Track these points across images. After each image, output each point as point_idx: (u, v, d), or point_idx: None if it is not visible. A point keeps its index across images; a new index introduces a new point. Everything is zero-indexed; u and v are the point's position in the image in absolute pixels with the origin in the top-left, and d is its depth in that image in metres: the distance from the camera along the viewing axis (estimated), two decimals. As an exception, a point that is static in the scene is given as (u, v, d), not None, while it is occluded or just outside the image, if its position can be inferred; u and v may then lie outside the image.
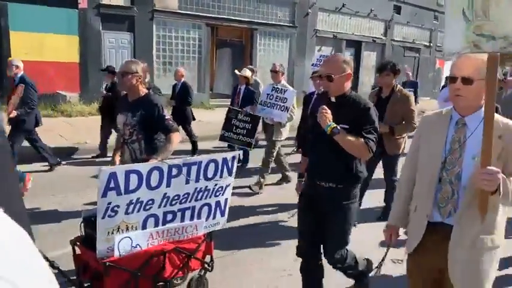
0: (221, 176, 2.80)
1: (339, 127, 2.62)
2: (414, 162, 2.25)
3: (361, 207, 4.55)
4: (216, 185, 2.80)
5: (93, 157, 7.38)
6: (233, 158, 2.83)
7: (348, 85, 2.78)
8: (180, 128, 6.18)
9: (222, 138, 6.24)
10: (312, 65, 9.27)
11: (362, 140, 2.63)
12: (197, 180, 2.69)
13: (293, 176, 6.13)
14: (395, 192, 2.47)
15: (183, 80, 7.65)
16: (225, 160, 2.78)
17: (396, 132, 4.48)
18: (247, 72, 6.86)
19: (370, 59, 19.26)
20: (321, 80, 2.83)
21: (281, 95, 5.81)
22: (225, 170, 2.80)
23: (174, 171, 2.57)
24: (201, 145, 7.89)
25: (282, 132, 5.99)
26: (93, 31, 11.66)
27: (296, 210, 3.15)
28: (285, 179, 6.37)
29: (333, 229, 2.82)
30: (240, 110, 6.21)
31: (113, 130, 7.15)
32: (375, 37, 18.98)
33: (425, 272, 2.17)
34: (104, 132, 7.49)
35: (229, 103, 7.05)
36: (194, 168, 2.66)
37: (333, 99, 2.76)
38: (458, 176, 2.00)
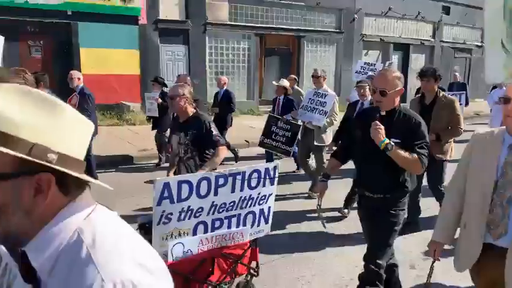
0: (264, 185, 2.92)
1: (392, 143, 2.68)
2: (463, 179, 2.23)
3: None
4: (259, 193, 2.92)
5: (157, 164, 7.87)
6: (275, 167, 2.95)
7: (398, 100, 2.87)
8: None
9: (261, 144, 6.35)
10: (356, 72, 9.29)
11: (415, 155, 2.69)
12: (241, 189, 2.82)
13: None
14: (442, 206, 2.47)
15: (225, 87, 7.90)
16: (267, 170, 2.90)
17: (443, 138, 4.43)
18: (284, 83, 7.00)
19: (418, 61, 19.00)
20: (374, 94, 2.90)
21: (321, 99, 5.86)
22: (267, 179, 2.93)
23: (221, 181, 2.72)
24: (248, 151, 8.29)
25: (323, 138, 5.98)
26: (152, 45, 12.54)
27: (324, 218, 3.27)
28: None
29: (377, 232, 2.92)
30: (280, 117, 6.27)
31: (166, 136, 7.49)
32: (423, 39, 18.75)
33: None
34: (158, 139, 7.85)
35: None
36: (239, 178, 2.79)
37: (383, 113, 2.82)
38: (509, 199, 1.98)
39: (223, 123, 7.51)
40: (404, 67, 18.52)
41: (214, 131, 3.60)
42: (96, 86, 11.01)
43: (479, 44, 21.01)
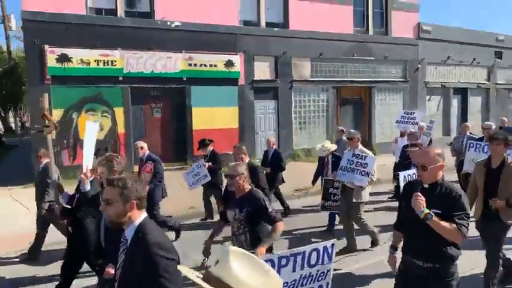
0: (322, 263, 3.00)
1: (431, 213, 2.80)
2: None
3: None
4: (318, 270, 3.01)
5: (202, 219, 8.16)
6: (332, 245, 3.06)
7: (440, 174, 3.00)
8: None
9: (323, 207, 6.50)
10: (397, 121, 9.90)
11: (455, 225, 2.79)
12: (302, 267, 2.91)
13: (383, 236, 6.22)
14: None
15: (274, 147, 8.09)
16: (325, 248, 3.01)
17: None
18: (327, 145, 7.18)
19: (475, 103, 20.19)
20: (417, 169, 3.11)
21: (361, 160, 5.98)
22: (325, 256, 3.01)
23: (283, 262, 2.83)
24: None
25: (362, 195, 6.09)
26: (248, 102, 14.34)
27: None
28: (375, 243, 6.28)
29: None
30: (333, 179, 6.51)
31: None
32: (479, 83, 20.00)
33: None
34: (205, 197, 8.08)
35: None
36: (299, 258, 2.88)
37: (426, 185, 2.99)
38: None
39: (273, 182, 7.64)
40: (463, 109, 19.75)
41: (270, 207, 3.69)
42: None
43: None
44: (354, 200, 6.04)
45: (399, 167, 7.89)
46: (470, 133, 9.50)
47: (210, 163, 7.55)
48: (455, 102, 19.47)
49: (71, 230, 4.69)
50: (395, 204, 7.09)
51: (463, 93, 19.61)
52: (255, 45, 14.16)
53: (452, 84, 19.03)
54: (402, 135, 9.58)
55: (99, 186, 4.25)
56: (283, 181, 8.19)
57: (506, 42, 20.57)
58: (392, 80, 17.17)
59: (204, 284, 1.09)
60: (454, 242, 2.90)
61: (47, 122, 5.69)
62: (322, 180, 7.41)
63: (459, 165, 9.02)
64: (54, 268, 5.50)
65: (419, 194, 2.88)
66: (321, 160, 7.27)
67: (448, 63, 18.59)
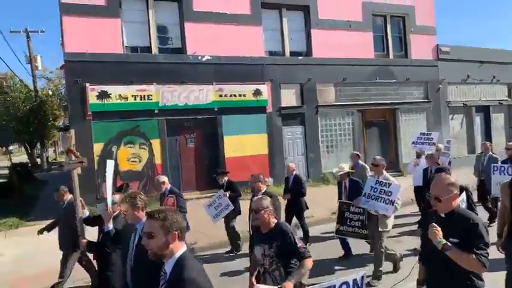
0: None
1: (449, 243, 2.80)
2: None
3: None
4: None
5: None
6: (362, 277, 3.03)
7: (456, 203, 3.00)
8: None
9: (339, 232, 6.26)
10: (413, 142, 9.84)
11: (474, 256, 2.74)
12: None
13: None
14: None
15: (294, 173, 8.03)
16: (355, 281, 2.99)
17: None
18: (346, 168, 6.88)
19: (498, 120, 20.28)
20: (431, 200, 3.09)
21: (386, 188, 5.82)
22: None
23: None
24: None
25: (386, 223, 5.95)
26: (276, 128, 14.75)
27: None
28: (396, 269, 6.26)
29: None
30: (351, 202, 6.27)
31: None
32: (501, 99, 20.15)
33: None
34: (227, 227, 8.00)
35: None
36: None
37: (442, 215, 3.01)
38: None
39: (298, 208, 7.75)
40: (486, 126, 19.84)
41: (299, 242, 3.64)
42: (237, 166, 13.23)
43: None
44: (380, 229, 5.92)
45: (424, 189, 7.55)
46: (493, 152, 9.48)
47: (229, 192, 7.68)
48: (478, 120, 19.60)
49: (97, 264, 4.81)
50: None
51: (485, 110, 19.76)
52: (280, 74, 14.69)
53: (473, 103, 19.23)
54: (418, 156, 9.42)
55: (124, 221, 4.26)
56: (306, 207, 8.01)
57: (524, 59, 20.81)
58: (415, 100, 17.46)
59: None
60: (477, 273, 2.88)
61: (73, 157, 6.00)
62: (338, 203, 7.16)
63: (480, 184, 9.07)
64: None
65: (434, 224, 2.90)
66: (339, 185, 7.11)
67: (468, 82, 18.86)
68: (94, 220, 5.55)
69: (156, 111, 12.96)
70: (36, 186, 20.29)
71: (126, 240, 3.71)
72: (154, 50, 13.25)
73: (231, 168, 11.74)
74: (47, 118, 27.22)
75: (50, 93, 31.11)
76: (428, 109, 17.79)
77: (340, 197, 6.90)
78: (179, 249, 2.37)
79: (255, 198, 4.02)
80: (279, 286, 3.33)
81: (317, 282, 3.17)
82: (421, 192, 8.44)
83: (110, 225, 4.34)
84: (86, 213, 5.88)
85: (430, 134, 9.89)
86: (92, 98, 12.17)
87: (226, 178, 8.05)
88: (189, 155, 13.83)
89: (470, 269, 2.82)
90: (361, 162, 8.66)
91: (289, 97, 15.09)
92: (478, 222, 2.86)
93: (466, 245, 2.78)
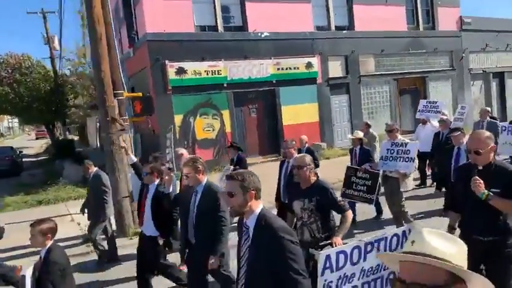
0: (401, 246, 3.05)
1: (491, 193, 2.99)
2: None
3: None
4: None
5: None
6: (409, 230, 3.13)
7: (492, 155, 3.16)
8: None
9: (344, 195, 6.20)
10: (418, 111, 9.97)
11: None
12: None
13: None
14: None
15: (306, 145, 7.91)
16: (404, 233, 3.11)
17: None
18: (359, 134, 7.23)
19: (511, 85, 22.15)
20: (470, 154, 3.25)
21: (403, 148, 5.96)
22: (404, 241, 3.07)
23: (369, 248, 2.91)
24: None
25: (407, 183, 6.17)
26: (325, 98, 16.24)
27: None
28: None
29: (494, 276, 2.90)
30: (357, 168, 6.32)
31: None
32: (514, 66, 21.98)
33: None
34: None
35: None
36: (382, 243, 2.99)
37: (480, 167, 3.13)
38: None
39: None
40: (501, 90, 21.69)
41: (338, 197, 3.86)
42: (293, 133, 14.71)
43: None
44: (401, 190, 6.12)
45: (437, 152, 7.82)
46: (491, 117, 9.80)
47: (237, 167, 7.26)
48: (494, 86, 21.41)
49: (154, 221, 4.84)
50: (424, 191, 7.90)
51: (500, 76, 21.55)
52: (328, 47, 16.07)
53: (491, 70, 20.97)
54: (424, 123, 9.58)
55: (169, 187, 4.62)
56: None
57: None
58: (442, 69, 19.09)
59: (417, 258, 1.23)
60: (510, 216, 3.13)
61: (118, 126, 7.20)
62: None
63: None
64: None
65: (477, 177, 3.06)
66: (350, 152, 7.41)
67: (487, 50, 20.52)
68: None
69: (225, 85, 14.27)
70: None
71: (185, 203, 4.07)
72: (220, 28, 14.43)
73: (289, 135, 13.18)
74: (66, 98, 27.78)
75: (68, 73, 31.62)
76: (453, 76, 19.46)
77: (351, 163, 7.08)
78: (257, 206, 2.56)
79: (297, 156, 4.29)
80: (329, 242, 3.59)
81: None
82: (425, 158, 8.72)
83: (170, 188, 4.60)
84: (133, 158, 6.17)
85: (436, 102, 10.06)
86: (172, 74, 13.40)
87: (237, 153, 7.56)
88: (252, 124, 15.26)
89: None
90: (371, 131, 8.94)
91: (335, 68, 16.53)
92: None
93: (507, 192, 3.02)
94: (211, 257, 3.73)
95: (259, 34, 14.75)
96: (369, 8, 16.83)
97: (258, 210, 2.53)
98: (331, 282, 2.79)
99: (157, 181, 4.87)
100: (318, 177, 4.07)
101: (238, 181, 2.50)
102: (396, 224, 6.24)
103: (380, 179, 6.12)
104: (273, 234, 2.41)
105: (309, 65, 15.71)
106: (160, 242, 4.77)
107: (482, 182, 3.03)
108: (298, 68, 15.54)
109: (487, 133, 3.24)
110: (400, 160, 5.98)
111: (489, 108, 10.05)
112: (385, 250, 2.97)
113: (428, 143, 8.42)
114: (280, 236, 2.39)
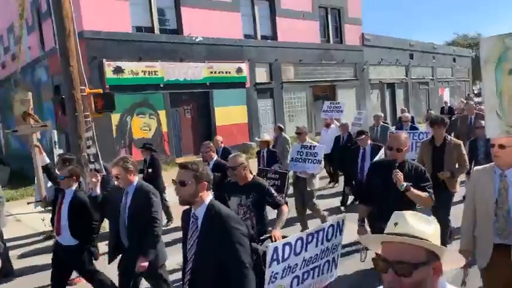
0: (336, 237, 3.29)
1: (409, 185, 3.47)
2: (473, 205, 3.09)
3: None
4: (332, 244, 3.30)
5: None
6: (343, 220, 3.35)
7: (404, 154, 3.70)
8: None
9: None
10: (323, 111, 10.94)
11: (426, 193, 3.57)
12: (322, 242, 3.19)
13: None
14: (462, 224, 3.22)
15: (222, 146, 7.78)
16: (338, 223, 3.31)
17: (456, 175, 5.17)
18: (265, 137, 7.71)
19: (400, 94, 26.01)
20: (391, 151, 3.70)
21: (311, 150, 6.40)
22: (338, 231, 3.31)
23: (310, 238, 3.09)
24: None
25: (313, 183, 6.51)
26: (253, 101, 17.47)
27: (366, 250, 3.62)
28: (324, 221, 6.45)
29: None
30: (268, 168, 6.59)
31: None
32: (401, 78, 25.85)
33: (497, 281, 2.95)
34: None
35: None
36: (321, 234, 3.18)
37: (397, 164, 3.60)
38: (507, 211, 2.88)
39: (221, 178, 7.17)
40: (393, 99, 25.36)
41: (275, 192, 4.04)
42: (226, 133, 15.76)
43: (432, 78, 28.86)
44: (308, 189, 6.44)
45: (344, 152, 8.03)
46: (384, 122, 10.51)
47: (150, 169, 7.30)
48: (387, 95, 24.95)
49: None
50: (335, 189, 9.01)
51: (392, 87, 25.21)
52: (255, 54, 17.35)
53: (385, 80, 24.44)
54: (328, 125, 10.19)
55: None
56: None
57: (415, 47, 26.81)
58: (348, 78, 21.75)
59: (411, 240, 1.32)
60: (423, 207, 3.54)
61: (32, 121, 7.03)
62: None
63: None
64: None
65: (398, 170, 3.52)
66: (258, 154, 7.74)
67: (382, 64, 23.89)
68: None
69: (161, 86, 14.58)
70: None
71: (114, 204, 3.89)
72: (156, 30, 14.73)
73: (222, 135, 14.07)
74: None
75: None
76: (357, 85, 22.27)
77: (259, 165, 7.34)
78: (207, 197, 2.60)
79: (231, 155, 4.20)
80: (268, 236, 3.64)
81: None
82: (329, 158, 9.05)
83: (98, 191, 4.23)
84: (46, 160, 6.04)
85: (338, 102, 11.17)
86: (109, 72, 13.33)
87: (150, 153, 7.48)
88: (187, 124, 15.77)
89: (422, 204, 3.66)
90: (284, 134, 9.19)
91: (261, 74, 17.87)
92: (424, 170, 3.75)
93: (418, 186, 3.52)
94: (142, 258, 3.63)
95: (194, 38, 15.39)
96: (289, 21, 18.57)
97: (207, 201, 2.58)
98: (277, 273, 2.89)
99: (75, 186, 4.51)
100: (254, 175, 4.21)
101: (192, 171, 2.51)
102: (301, 223, 6.57)
103: (290, 179, 6.46)
104: (223, 223, 2.48)
105: (239, 70, 16.78)
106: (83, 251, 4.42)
107: (401, 174, 3.50)
108: (229, 72, 16.50)
109: (405, 134, 3.89)
110: (308, 162, 6.39)
111: (382, 114, 11.15)
112: (322, 240, 3.17)
113: (332, 145, 9.05)
114: (231, 226, 2.48)
